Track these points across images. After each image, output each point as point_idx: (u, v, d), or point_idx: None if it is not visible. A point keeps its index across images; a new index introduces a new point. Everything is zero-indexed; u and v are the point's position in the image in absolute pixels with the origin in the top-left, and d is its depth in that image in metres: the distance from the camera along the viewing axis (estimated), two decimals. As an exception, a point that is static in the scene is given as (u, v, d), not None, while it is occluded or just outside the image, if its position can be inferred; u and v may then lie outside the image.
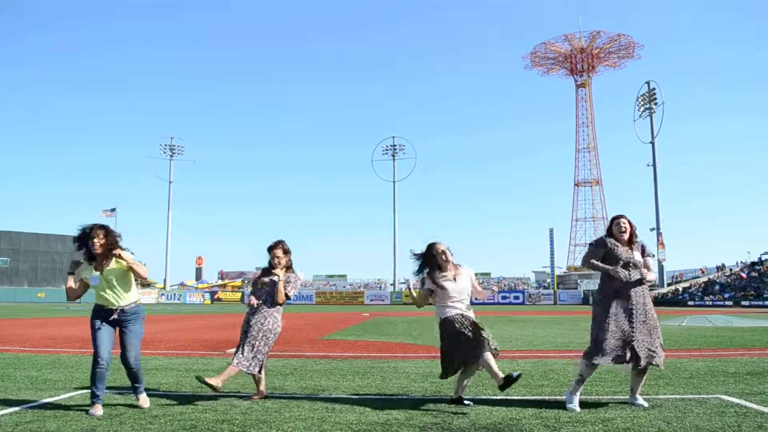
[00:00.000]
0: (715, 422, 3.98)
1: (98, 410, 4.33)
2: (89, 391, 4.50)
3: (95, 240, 4.42)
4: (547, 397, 5.04)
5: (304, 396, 5.11)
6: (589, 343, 4.67)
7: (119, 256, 4.48)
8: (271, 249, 5.10)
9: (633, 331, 4.48)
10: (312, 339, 11.94)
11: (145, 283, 5.25)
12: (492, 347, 4.56)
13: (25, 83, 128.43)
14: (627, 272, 4.57)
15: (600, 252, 4.72)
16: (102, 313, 4.51)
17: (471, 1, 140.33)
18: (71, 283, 4.56)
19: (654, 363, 4.50)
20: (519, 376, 4.41)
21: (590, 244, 4.88)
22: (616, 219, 4.86)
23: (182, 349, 9.70)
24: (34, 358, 8.17)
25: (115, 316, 4.49)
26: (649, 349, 4.50)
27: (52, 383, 5.80)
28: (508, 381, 4.36)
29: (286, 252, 5.12)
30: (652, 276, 4.69)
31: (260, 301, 5.00)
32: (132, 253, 4.59)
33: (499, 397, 5.01)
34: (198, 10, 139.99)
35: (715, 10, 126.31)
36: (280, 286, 4.97)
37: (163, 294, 64.44)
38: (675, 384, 5.71)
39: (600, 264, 4.67)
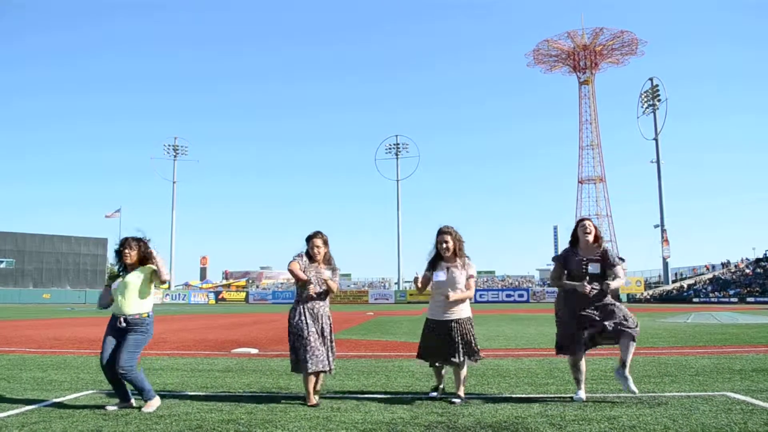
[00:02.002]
0: (721, 419, 3.96)
1: (118, 405, 4.58)
2: (94, 392, 4.57)
3: (127, 251, 4.62)
4: (552, 395, 5.03)
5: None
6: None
7: (151, 256, 4.64)
8: (310, 238, 4.99)
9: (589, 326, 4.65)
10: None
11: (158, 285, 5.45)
12: (461, 359, 4.71)
13: (28, 83, 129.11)
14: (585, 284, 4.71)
15: (559, 267, 4.92)
16: (113, 319, 4.62)
17: (473, 0, 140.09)
18: (106, 292, 4.79)
19: (625, 329, 4.53)
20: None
21: (553, 259, 5.06)
22: (581, 222, 4.92)
23: (187, 349, 9.73)
24: (40, 359, 8.20)
25: (120, 323, 4.53)
26: (615, 323, 4.57)
27: (57, 384, 5.81)
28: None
29: (326, 243, 5.03)
30: (616, 284, 4.68)
31: (314, 293, 4.88)
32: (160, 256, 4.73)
33: (504, 395, 5.01)
34: (201, 9, 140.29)
35: (718, 8, 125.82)
36: (331, 285, 4.93)
37: (167, 294, 64.56)
38: (680, 381, 5.69)
39: (566, 282, 4.85)
